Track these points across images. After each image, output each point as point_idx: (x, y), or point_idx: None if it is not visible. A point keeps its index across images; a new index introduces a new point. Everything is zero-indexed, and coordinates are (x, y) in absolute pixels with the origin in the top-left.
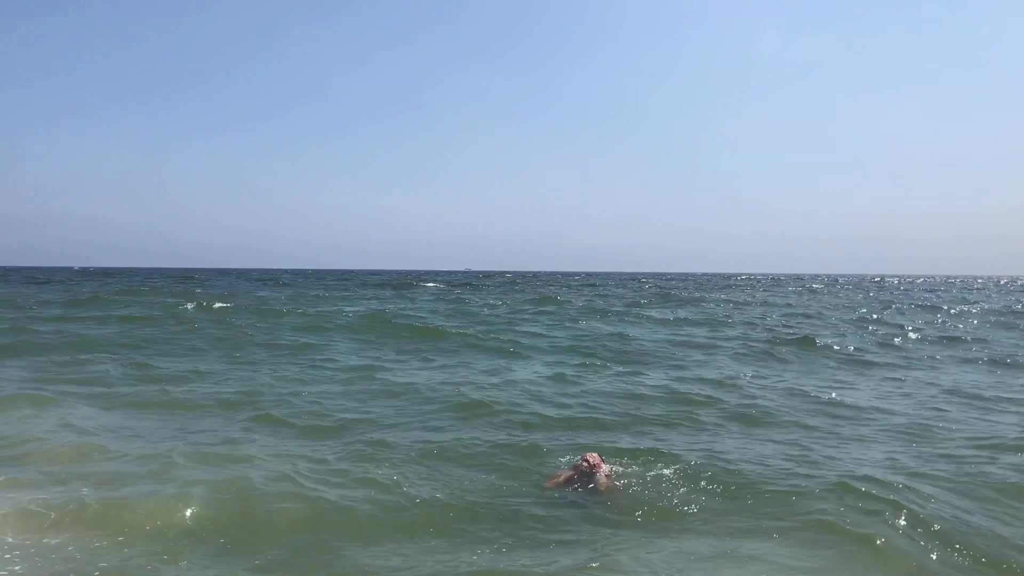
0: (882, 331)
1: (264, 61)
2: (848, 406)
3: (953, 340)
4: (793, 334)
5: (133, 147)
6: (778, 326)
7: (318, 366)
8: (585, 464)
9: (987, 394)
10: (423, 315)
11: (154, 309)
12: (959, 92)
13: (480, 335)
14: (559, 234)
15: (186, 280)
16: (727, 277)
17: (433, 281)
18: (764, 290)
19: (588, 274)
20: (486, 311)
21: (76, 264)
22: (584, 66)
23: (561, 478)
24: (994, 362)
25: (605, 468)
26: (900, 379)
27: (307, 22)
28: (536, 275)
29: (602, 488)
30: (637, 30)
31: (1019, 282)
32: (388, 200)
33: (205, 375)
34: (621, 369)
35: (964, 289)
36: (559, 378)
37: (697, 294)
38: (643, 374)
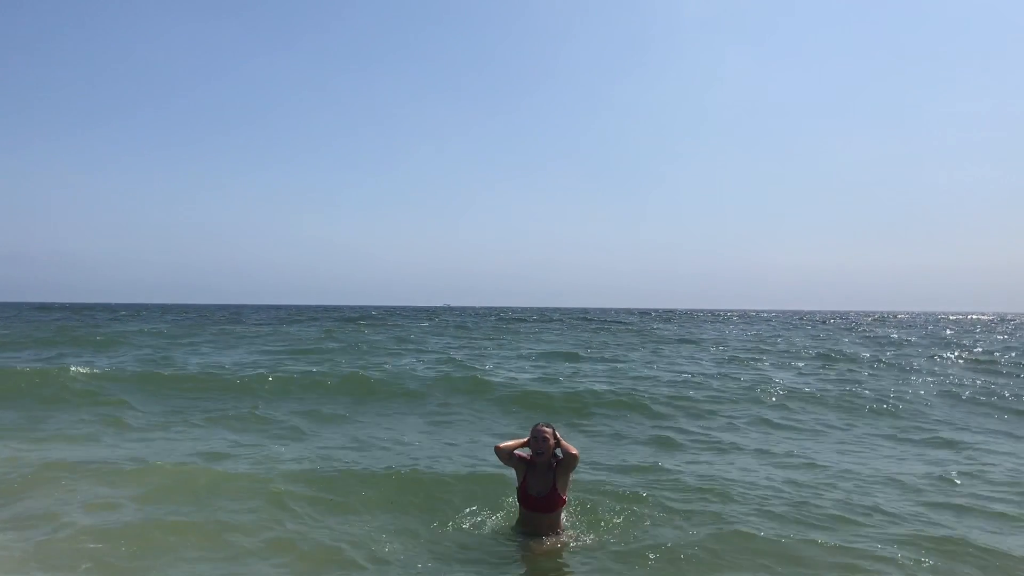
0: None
1: (215, 89)
2: None
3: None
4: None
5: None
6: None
7: None
8: (544, 433)
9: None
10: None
11: None
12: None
13: None
14: (540, 267)
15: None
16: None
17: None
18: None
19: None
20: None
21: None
22: (547, 98)
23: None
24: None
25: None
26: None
27: (261, 51)
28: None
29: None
30: (606, 62)
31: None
32: (358, 234)
33: None
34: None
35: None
36: None
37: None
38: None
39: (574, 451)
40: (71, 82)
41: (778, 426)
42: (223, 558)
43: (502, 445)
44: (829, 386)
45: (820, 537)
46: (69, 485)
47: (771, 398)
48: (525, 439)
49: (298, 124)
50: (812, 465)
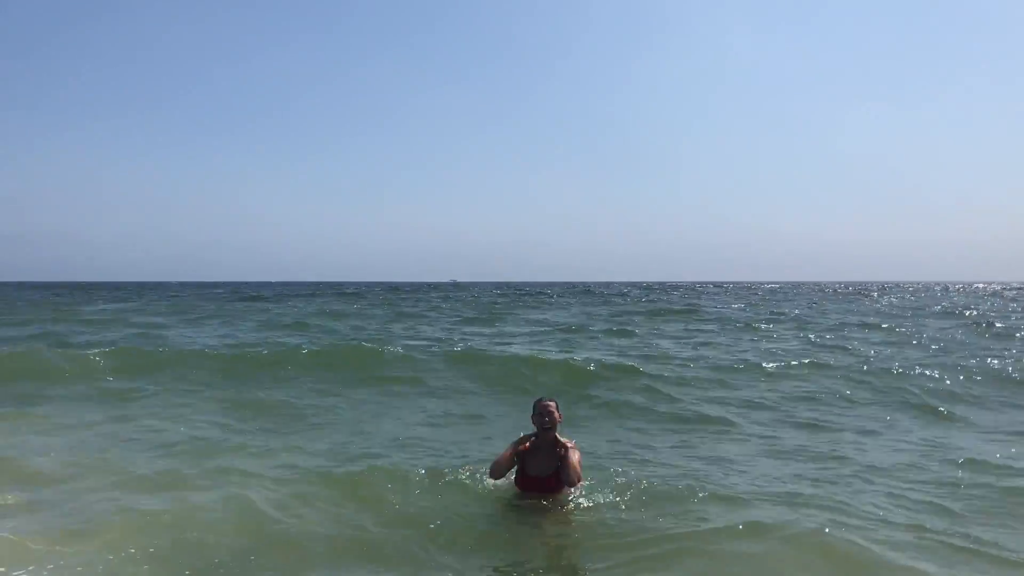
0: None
1: (228, 76)
2: None
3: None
4: None
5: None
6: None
7: None
8: (549, 408)
9: None
10: None
11: None
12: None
13: None
14: (544, 243)
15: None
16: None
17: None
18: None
19: (583, 284)
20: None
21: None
22: (560, 77)
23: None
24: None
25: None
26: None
27: (273, 38)
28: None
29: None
30: (614, 39)
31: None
32: (367, 213)
33: None
34: None
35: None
36: None
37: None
38: None
39: (576, 477)
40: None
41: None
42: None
43: (496, 461)
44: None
45: None
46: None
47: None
48: (516, 441)
49: (308, 116)
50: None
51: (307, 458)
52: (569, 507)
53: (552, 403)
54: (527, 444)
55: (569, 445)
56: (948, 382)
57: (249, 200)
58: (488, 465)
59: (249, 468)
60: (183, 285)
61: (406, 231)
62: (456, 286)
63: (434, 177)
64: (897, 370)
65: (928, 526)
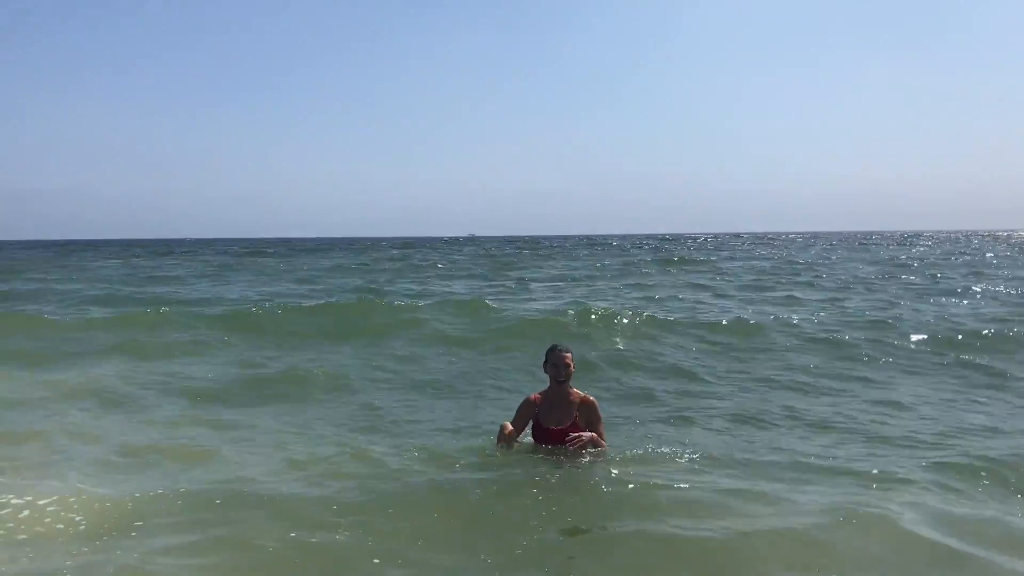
0: None
1: (245, 31)
2: None
3: None
4: None
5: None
6: None
7: None
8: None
9: None
10: None
11: None
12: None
13: None
14: (562, 195)
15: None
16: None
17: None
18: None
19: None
20: None
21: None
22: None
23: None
24: None
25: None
26: None
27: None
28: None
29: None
30: None
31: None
32: (381, 168)
33: None
34: None
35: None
36: None
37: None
38: None
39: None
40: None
41: None
42: None
43: (503, 436)
44: None
45: None
46: None
47: None
48: (520, 408)
49: (321, 69)
50: None
51: None
52: (586, 461)
53: (568, 353)
54: (536, 396)
55: (590, 400)
56: None
57: (264, 155)
58: (496, 437)
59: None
60: (196, 242)
61: (424, 186)
62: (472, 240)
63: (454, 130)
64: None
65: None
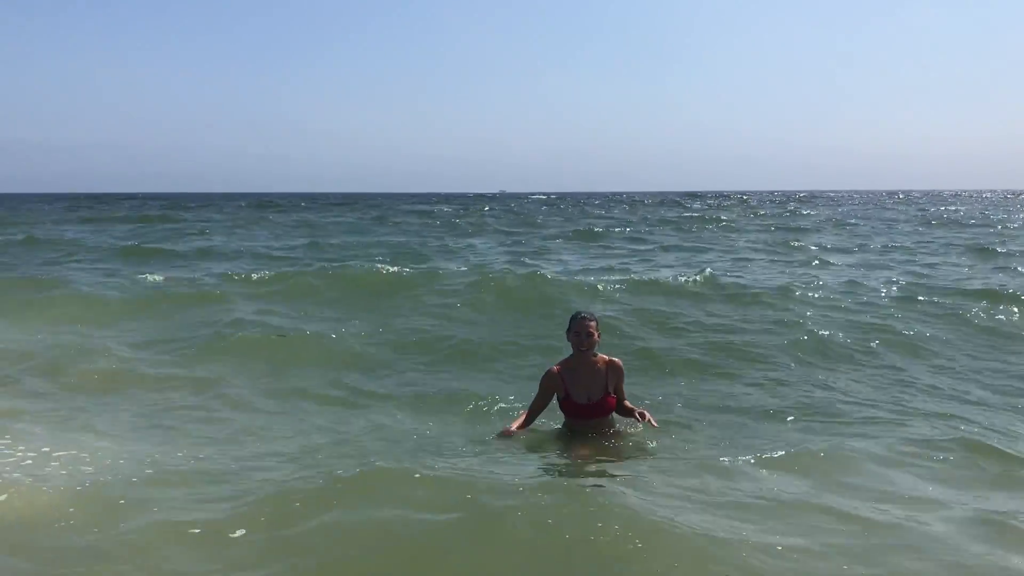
0: None
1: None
2: None
3: None
4: None
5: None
6: None
7: None
8: (589, 327)
9: None
10: None
11: None
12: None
13: None
14: (586, 152)
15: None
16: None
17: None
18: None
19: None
20: None
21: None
22: None
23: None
24: None
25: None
26: None
27: None
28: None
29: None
30: None
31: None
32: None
33: None
34: None
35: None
36: None
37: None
38: None
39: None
40: None
41: None
42: None
43: (524, 421)
44: None
45: None
46: None
47: None
48: (538, 393)
49: (344, 17)
50: None
51: None
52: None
53: (593, 321)
54: (558, 367)
55: (618, 363)
56: None
57: (287, 108)
58: (515, 422)
59: None
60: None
61: (454, 141)
62: (502, 197)
63: (486, 86)
64: None
65: None
